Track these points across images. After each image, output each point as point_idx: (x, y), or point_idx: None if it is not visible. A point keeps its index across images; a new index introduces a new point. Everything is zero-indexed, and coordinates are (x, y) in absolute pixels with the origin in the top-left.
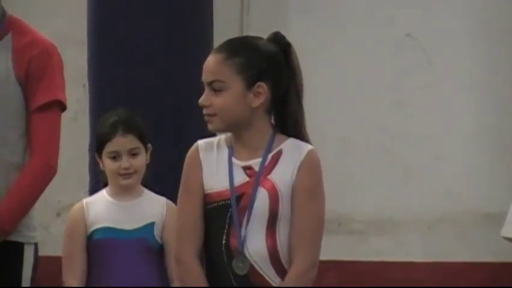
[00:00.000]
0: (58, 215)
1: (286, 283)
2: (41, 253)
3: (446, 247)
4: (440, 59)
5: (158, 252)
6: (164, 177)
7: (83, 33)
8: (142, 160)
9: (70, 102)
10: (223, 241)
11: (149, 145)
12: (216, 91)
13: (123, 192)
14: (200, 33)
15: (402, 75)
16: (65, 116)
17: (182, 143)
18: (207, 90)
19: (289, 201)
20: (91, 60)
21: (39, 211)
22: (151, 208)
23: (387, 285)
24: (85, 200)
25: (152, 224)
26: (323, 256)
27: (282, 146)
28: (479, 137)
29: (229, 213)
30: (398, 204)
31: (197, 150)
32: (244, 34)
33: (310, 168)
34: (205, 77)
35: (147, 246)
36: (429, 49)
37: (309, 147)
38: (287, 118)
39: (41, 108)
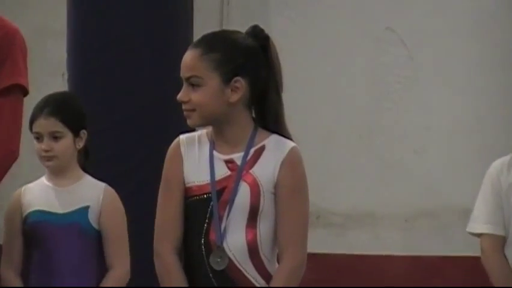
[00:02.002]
0: None
1: (276, 281)
2: None
3: (424, 241)
4: (420, 53)
5: (94, 237)
6: (142, 170)
7: (63, 24)
8: (64, 145)
9: (49, 92)
10: (203, 235)
11: (83, 131)
12: (194, 86)
13: (58, 176)
14: (180, 24)
15: (383, 69)
16: None
17: (162, 134)
18: (185, 85)
19: (270, 197)
20: (70, 50)
21: None
22: (87, 193)
23: (364, 280)
24: (24, 186)
25: (86, 208)
26: None
27: (265, 142)
28: (458, 132)
29: (209, 207)
30: (377, 198)
31: (178, 145)
32: (225, 26)
33: (293, 166)
34: (183, 73)
35: (81, 231)
36: (409, 43)
37: (291, 144)
38: (267, 112)
39: (2, 93)
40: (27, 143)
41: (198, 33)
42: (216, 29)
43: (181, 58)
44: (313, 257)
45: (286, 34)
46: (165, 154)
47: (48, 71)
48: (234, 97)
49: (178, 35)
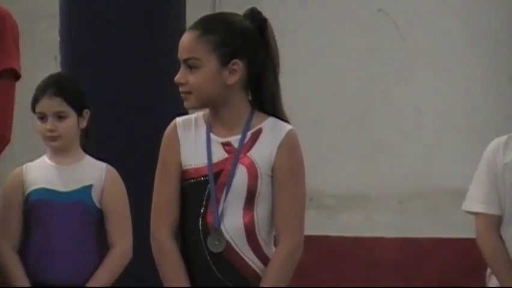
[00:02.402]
0: None
1: (273, 263)
2: None
3: (417, 223)
4: (412, 35)
5: (97, 216)
6: (137, 153)
7: (55, 6)
8: (69, 124)
9: (41, 74)
10: (200, 218)
11: (86, 110)
12: (192, 68)
13: (60, 155)
14: (172, 6)
15: (374, 52)
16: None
17: (154, 117)
18: (182, 67)
19: (267, 180)
20: (63, 33)
21: None
22: (90, 172)
23: (356, 262)
24: (25, 165)
25: (89, 187)
26: None
27: (262, 125)
28: (449, 114)
29: (207, 190)
30: (369, 180)
31: (175, 128)
32: (217, 8)
33: (290, 149)
34: (181, 55)
35: (84, 210)
36: (401, 25)
37: (288, 127)
38: (264, 94)
39: None
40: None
41: (190, 16)
42: (208, 11)
43: (173, 40)
44: (306, 239)
45: (277, 16)
46: (157, 137)
47: (40, 54)
48: (232, 79)
49: (170, 17)
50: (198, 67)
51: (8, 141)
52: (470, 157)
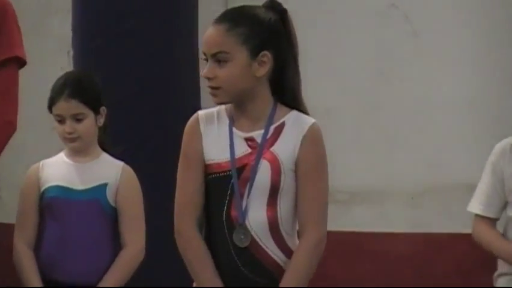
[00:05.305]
0: None
1: (298, 257)
2: None
3: (429, 218)
4: (424, 29)
5: (111, 215)
6: (147, 147)
7: (68, 1)
8: (87, 125)
9: (54, 70)
10: (224, 212)
11: (102, 108)
12: (221, 62)
13: (78, 153)
14: (185, 2)
15: (387, 46)
16: (48, 84)
17: (163, 111)
18: (210, 62)
19: (291, 174)
20: (76, 28)
21: None
22: (105, 170)
23: (369, 257)
24: (42, 161)
25: (104, 186)
26: None
27: (284, 119)
28: (462, 109)
29: (230, 185)
30: (382, 175)
31: (197, 121)
32: (230, 3)
33: (314, 142)
34: (208, 49)
35: (99, 208)
36: (414, 19)
37: (311, 120)
38: (285, 86)
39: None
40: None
41: (203, 12)
42: (221, 6)
43: (186, 35)
44: None
45: (288, 10)
46: (170, 131)
47: (53, 48)
48: (261, 71)
49: (183, 12)
50: (227, 61)
51: (15, 129)
52: (484, 151)
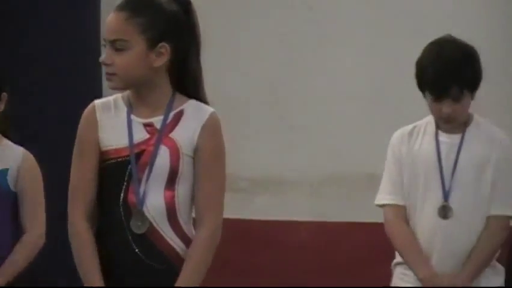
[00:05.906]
0: None
1: (196, 245)
2: None
3: (330, 207)
4: (325, 17)
5: (12, 200)
6: (51, 136)
7: None
8: None
9: None
10: (121, 198)
11: (3, 94)
12: (118, 50)
13: None
14: None
15: (291, 34)
16: None
17: (65, 98)
18: (108, 48)
19: (189, 161)
20: None
21: None
22: (7, 156)
23: (270, 245)
24: None
25: (6, 171)
26: None
27: (183, 107)
28: (364, 98)
29: (128, 170)
30: (284, 163)
31: (93, 110)
32: None
33: (213, 131)
34: (108, 35)
35: None
36: (317, 10)
37: (210, 109)
38: (187, 77)
39: None
40: None
41: None
42: None
43: (92, 21)
44: None
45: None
46: (70, 118)
47: None
48: (158, 62)
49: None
50: (125, 49)
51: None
52: (384, 141)
